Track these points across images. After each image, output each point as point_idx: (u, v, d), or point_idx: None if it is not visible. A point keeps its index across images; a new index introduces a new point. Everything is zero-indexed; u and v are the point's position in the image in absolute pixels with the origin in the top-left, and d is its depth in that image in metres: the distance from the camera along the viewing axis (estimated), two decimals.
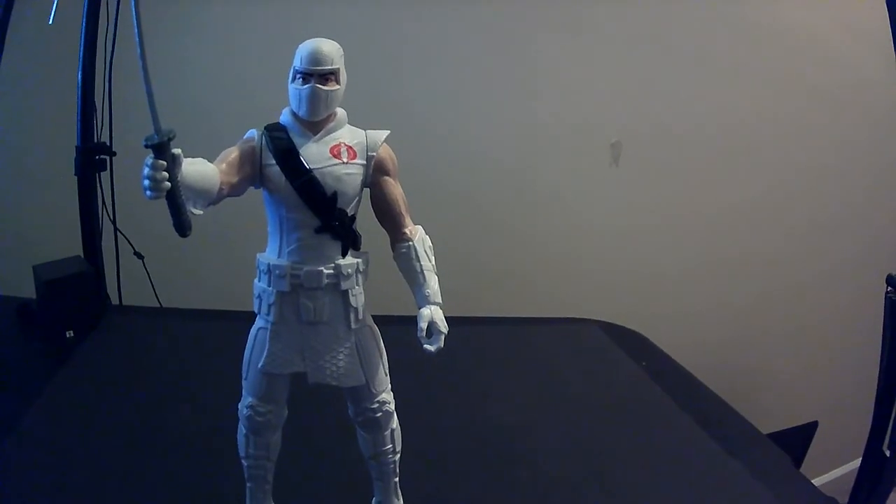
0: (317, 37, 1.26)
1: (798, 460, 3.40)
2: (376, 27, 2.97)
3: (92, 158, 2.48)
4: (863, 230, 3.75)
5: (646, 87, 3.33)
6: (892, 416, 1.96)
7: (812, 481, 2.04)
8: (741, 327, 3.74)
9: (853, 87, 3.50)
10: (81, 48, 2.42)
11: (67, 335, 2.33)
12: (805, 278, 3.75)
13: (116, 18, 2.40)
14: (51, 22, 2.29)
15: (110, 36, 2.42)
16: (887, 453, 1.96)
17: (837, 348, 3.82)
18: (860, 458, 2.02)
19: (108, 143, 2.52)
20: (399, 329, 1.44)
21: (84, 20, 2.40)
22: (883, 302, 1.92)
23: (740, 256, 3.66)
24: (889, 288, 1.88)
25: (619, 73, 3.31)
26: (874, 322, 1.99)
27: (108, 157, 2.52)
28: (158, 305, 2.72)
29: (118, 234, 2.64)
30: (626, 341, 2.70)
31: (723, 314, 3.69)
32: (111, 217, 2.61)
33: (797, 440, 3.63)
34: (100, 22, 2.43)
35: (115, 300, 2.67)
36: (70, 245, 2.55)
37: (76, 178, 2.50)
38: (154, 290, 2.70)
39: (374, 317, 1.38)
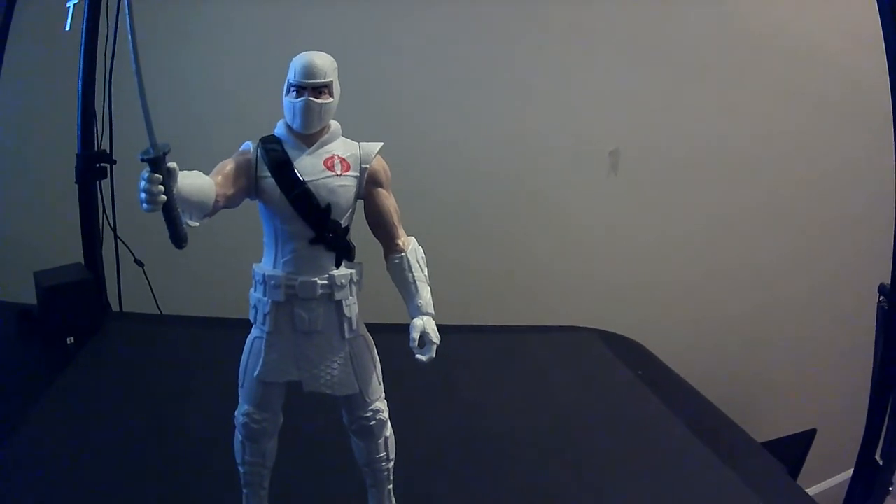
0: (312, 48, 1.27)
1: (796, 468, 3.39)
2: (374, 36, 2.99)
3: (92, 166, 2.51)
4: (860, 239, 3.75)
5: (644, 95, 3.35)
6: (885, 424, 1.97)
7: (809, 490, 2.04)
8: (738, 336, 3.74)
9: (850, 98, 3.50)
10: (82, 56, 2.45)
11: (68, 341, 2.35)
12: (802, 287, 3.75)
13: (116, 27, 2.42)
14: (68, 28, 2.31)
15: (110, 44, 2.44)
16: (880, 462, 1.97)
17: (835, 357, 3.81)
18: None
19: (108, 151, 2.54)
20: (394, 337, 1.45)
21: (84, 29, 2.42)
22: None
23: (737, 265, 3.66)
24: (881, 297, 1.89)
25: (618, 80, 3.32)
26: (871, 331, 2.01)
27: (108, 165, 2.54)
28: (158, 312, 2.73)
29: (118, 241, 2.66)
30: (622, 350, 2.70)
31: (719, 323, 3.69)
32: (111, 224, 2.63)
33: (795, 448, 3.62)
34: (100, 30, 2.45)
35: (115, 307, 2.70)
36: (71, 252, 2.57)
37: (77, 185, 2.52)
38: (154, 297, 2.72)
39: (367, 325, 1.39)
